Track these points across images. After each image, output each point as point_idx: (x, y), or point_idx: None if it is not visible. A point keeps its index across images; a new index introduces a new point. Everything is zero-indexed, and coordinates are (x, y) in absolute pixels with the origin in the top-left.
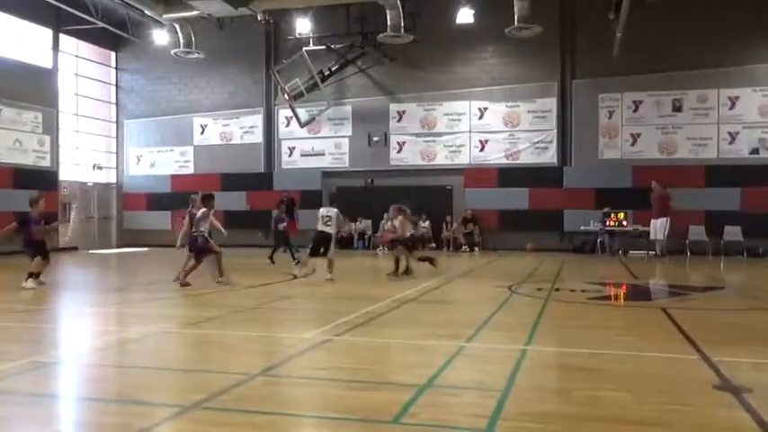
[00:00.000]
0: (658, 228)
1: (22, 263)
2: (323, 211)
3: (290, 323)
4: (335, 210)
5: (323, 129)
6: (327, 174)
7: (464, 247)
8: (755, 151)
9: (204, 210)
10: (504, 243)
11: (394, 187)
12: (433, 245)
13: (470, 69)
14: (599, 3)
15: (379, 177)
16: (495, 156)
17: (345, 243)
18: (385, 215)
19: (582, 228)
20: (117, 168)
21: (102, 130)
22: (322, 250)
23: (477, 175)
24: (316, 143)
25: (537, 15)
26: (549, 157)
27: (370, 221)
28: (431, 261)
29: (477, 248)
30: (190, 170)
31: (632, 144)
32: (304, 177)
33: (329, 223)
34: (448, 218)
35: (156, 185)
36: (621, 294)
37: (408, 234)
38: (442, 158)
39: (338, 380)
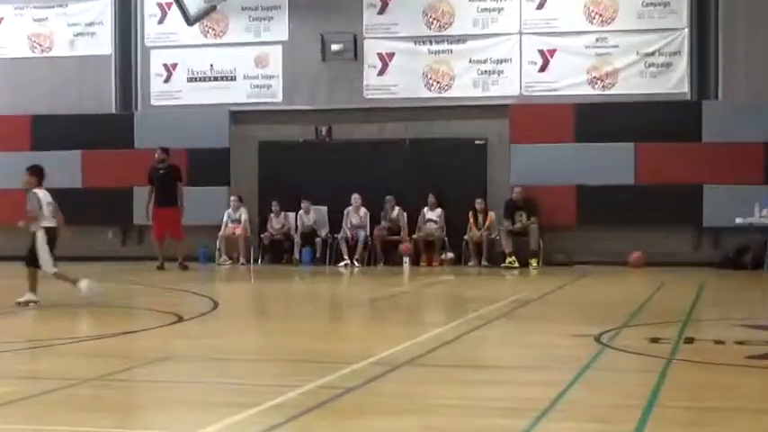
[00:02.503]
0: None
1: None
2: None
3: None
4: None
5: (231, 28)
6: (240, 116)
7: (509, 259)
8: None
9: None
10: (585, 250)
11: (371, 143)
12: (449, 255)
13: None
14: None
15: (343, 123)
16: (570, 81)
17: (275, 252)
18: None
19: (739, 221)
20: None
21: None
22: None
23: (533, 118)
24: (218, 57)
25: None
26: (675, 83)
27: (325, 210)
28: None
29: (534, 261)
30: None
31: None
32: (196, 124)
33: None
34: (478, 202)
35: None
36: None
37: None
38: (464, 87)
39: None
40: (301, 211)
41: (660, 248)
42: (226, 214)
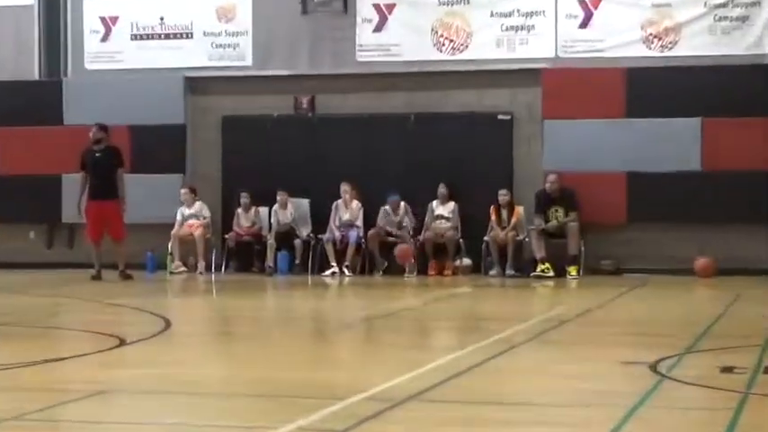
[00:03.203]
0: None
1: None
2: None
3: None
4: None
5: None
6: (199, 84)
7: (541, 267)
8: None
9: None
10: (638, 255)
11: (365, 119)
12: (465, 261)
13: None
14: None
15: (330, 93)
16: (619, 39)
17: (243, 258)
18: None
19: None
20: None
21: None
22: None
23: (572, 86)
24: (170, 8)
25: None
26: (752, 42)
27: (307, 204)
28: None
29: (573, 269)
30: None
31: None
32: (142, 94)
33: None
34: (502, 194)
35: None
36: None
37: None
38: (484, 47)
39: None
40: (276, 206)
41: (735, 253)
42: (179, 210)
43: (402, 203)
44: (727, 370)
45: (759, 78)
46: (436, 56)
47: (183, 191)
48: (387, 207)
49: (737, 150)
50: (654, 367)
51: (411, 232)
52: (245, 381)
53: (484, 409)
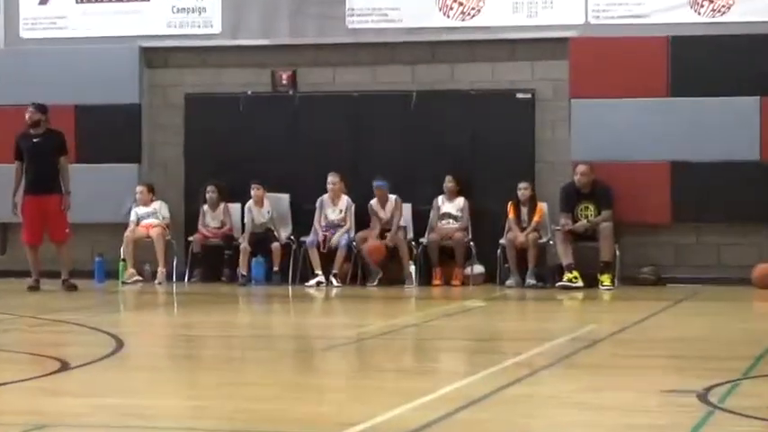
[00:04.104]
0: None
1: None
2: None
3: None
4: None
5: None
6: (157, 56)
7: (569, 275)
8: None
9: None
10: (684, 262)
11: (357, 98)
12: (478, 268)
13: None
14: None
15: (315, 67)
16: (662, 2)
17: (211, 264)
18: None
19: None
20: None
21: None
22: None
23: (605, 59)
24: None
25: None
26: None
27: (287, 200)
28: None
29: (607, 278)
30: None
31: None
32: (89, 68)
33: None
34: (522, 188)
35: None
36: None
37: None
38: (500, 11)
39: None
40: (251, 202)
41: None
42: (134, 209)
43: (393, 197)
44: None
45: None
46: (443, 22)
47: (138, 188)
48: (372, 201)
49: None
50: (703, 397)
51: (406, 235)
52: (213, 413)
53: None
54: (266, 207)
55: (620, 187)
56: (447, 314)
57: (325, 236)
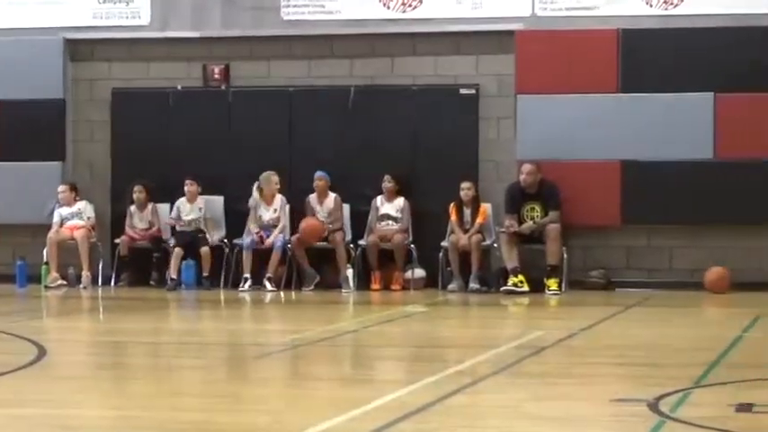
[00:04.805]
0: None
1: None
2: None
3: None
4: None
5: None
6: (82, 48)
7: (514, 279)
8: None
9: None
10: (635, 265)
11: (293, 93)
12: (418, 272)
13: None
14: None
15: (249, 61)
16: None
17: (138, 267)
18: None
19: None
20: None
21: None
22: None
23: (553, 54)
24: None
25: None
26: None
27: (221, 202)
28: None
29: (554, 282)
30: None
31: None
32: (8, 61)
33: None
34: (464, 188)
35: None
36: None
37: None
38: (443, 3)
39: None
40: (181, 201)
41: (755, 262)
42: (57, 210)
43: (333, 195)
44: (745, 408)
45: None
46: (382, 14)
47: (60, 188)
48: (311, 197)
49: (760, 134)
50: (654, 406)
51: (344, 236)
52: (140, 424)
53: None
54: (198, 207)
55: (567, 187)
56: (386, 320)
57: (261, 237)
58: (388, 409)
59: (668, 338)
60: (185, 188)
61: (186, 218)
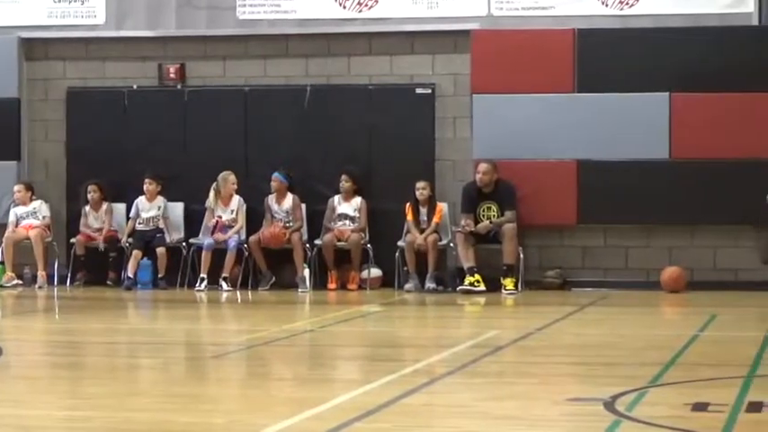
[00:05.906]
0: None
1: None
2: None
3: None
4: None
5: None
6: (37, 47)
7: (470, 279)
8: None
9: None
10: (591, 265)
11: (249, 92)
12: (375, 271)
13: None
14: None
15: (205, 60)
16: None
17: (94, 267)
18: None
19: None
20: None
21: None
22: None
23: (509, 53)
24: None
25: None
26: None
27: (181, 208)
28: None
29: (510, 282)
30: None
31: None
32: None
33: None
34: (420, 188)
35: None
36: None
37: None
38: (399, 3)
39: None
40: (140, 199)
41: (711, 262)
42: (12, 211)
43: (291, 196)
44: (701, 407)
45: (741, 43)
46: (338, 13)
47: (16, 188)
48: (269, 197)
49: (715, 134)
50: (610, 405)
51: (301, 236)
52: (96, 425)
53: None
54: (156, 206)
55: (524, 187)
56: (343, 319)
57: (218, 238)
58: (345, 409)
59: (624, 338)
60: (144, 186)
61: (145, 215)
